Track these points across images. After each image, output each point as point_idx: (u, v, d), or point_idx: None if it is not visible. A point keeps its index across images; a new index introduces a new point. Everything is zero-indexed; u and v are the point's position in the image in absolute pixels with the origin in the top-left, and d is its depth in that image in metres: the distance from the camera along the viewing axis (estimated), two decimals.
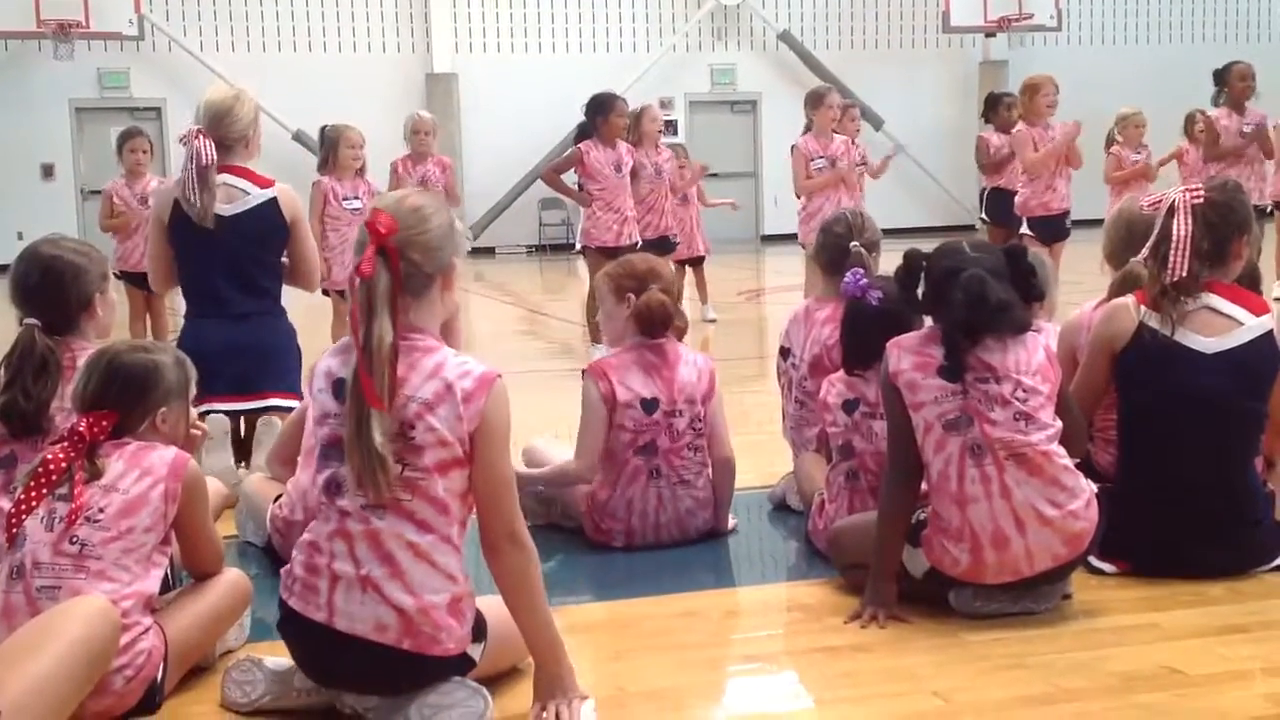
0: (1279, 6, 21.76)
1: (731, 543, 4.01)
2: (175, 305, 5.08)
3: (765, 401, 5.65)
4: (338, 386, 2.56)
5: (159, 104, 18.19)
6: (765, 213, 19.97)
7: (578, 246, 8.80)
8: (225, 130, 4.53)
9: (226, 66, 16.85)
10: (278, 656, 2.73)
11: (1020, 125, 8.76)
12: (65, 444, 2.77)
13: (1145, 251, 3.43)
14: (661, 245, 9.05)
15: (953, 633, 3.05)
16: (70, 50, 16.99)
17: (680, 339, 4.03)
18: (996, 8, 19.40)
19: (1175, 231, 3.35)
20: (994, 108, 10.79)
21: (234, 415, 4.57)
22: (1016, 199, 8.97)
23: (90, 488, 2.73)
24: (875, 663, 2.90)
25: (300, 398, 4.31)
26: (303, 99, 17.63)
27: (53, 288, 3.45)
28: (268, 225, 4.55)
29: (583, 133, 8.57)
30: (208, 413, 4.21)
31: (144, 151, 8.11)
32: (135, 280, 8.10)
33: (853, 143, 9.02)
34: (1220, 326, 3.37)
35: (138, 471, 2.77)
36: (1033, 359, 3.13)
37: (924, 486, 3.20)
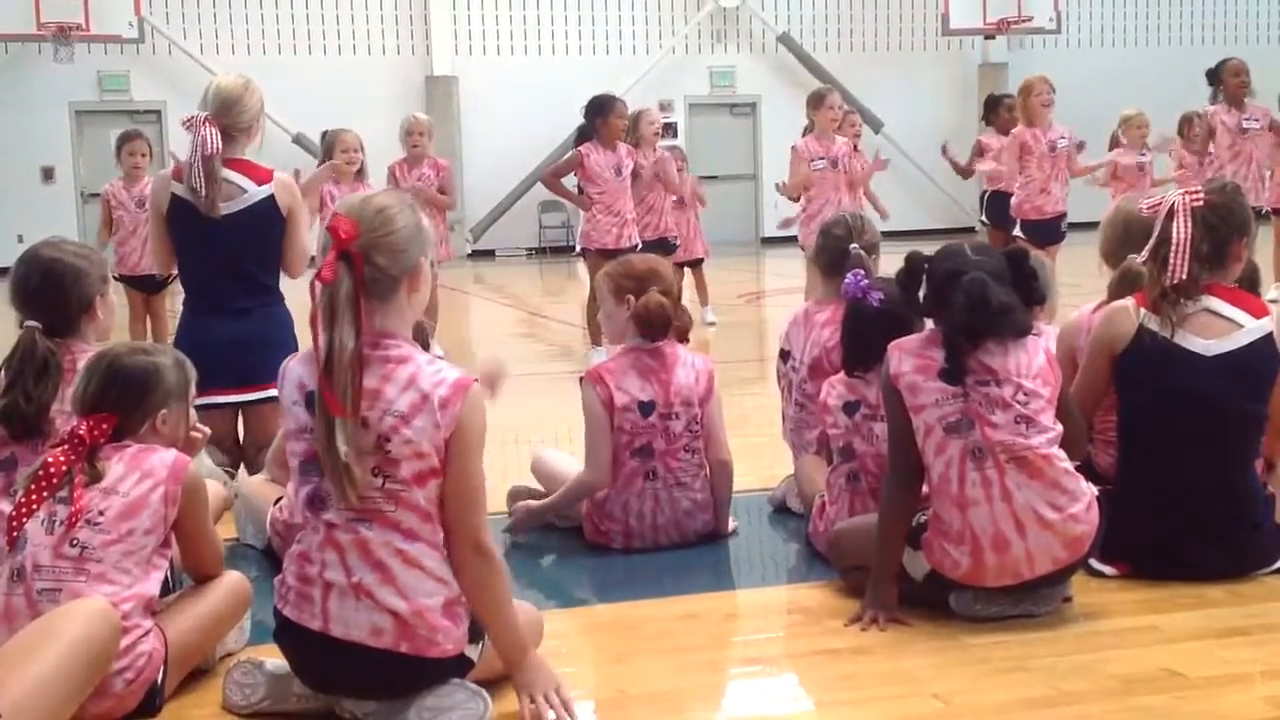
0: (1278, 8, 21.76)
1: (732, 545, 4.01)
2: (175, 308, 5.09)
3: (765, 404, 5.65)
4: (310, 399, 2.53)
5: (159, 107, 18.19)
6: (765, 215, 19.97)
7: (577, 249, 8.80)
8: (234, 119, 4.53)
9: (226, 69, 16.74)
10: (278, 659, 2.73)
11: (1018, 126, 8.78)
12: (65, 447, 2.77)
13: (1144, 254, 3.43)
14: (661, 247, 9.05)
15: (953, 635, 3.05)
16: (70, 53, 16.99)
17: (683, 339, 4.02)
18: (996, 10, 19.40)
19: (1175, 234, 3.35)
20: (994, 110, 10.80)
21: (233, 408, 4.57)
22: (1011, 201, 9.00)
23: (90, 491, 2.73)
24: (875, 665, 2.90)
25: None
26: (303, 102, 17.63)
27: (53, 290, 3.45)
28: (265, 221, 4.56)
29: (582, 135, 8.57)
30: (208, 406, 4.19)
31: (143, 154, 8.12)
32: (135, 283, 8.12)
33: (854, 148, 9.02)
34: (1220, 329, 3.37)
35: (138, 474, 2.77)
36: (1033, 362, 3.13)
37: (924, 489, 3.20)
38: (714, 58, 20.27)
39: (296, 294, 4.91)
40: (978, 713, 2.64)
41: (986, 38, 20.21)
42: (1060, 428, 3.14)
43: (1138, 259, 3.47)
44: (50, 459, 2.75)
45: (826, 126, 8.59)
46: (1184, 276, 3.34)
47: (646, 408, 3.88)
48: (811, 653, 3.04)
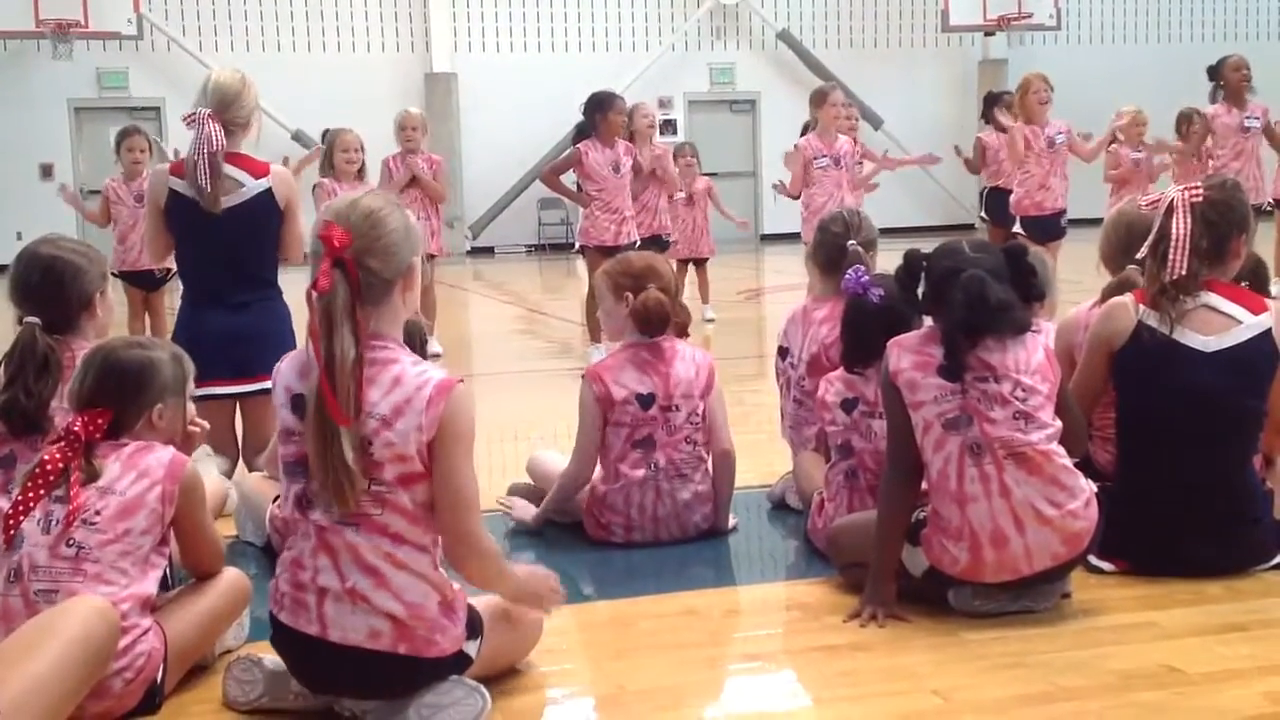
0: (1278, 4, 21.76)
1: (731, 541, 4.02)
2: (174, 305, 5.09)
3: (764, 401, 5.65)
4: (296, 402, 2.52)
5: (158, 103, 18.20)
6: (765, 212, 19.97)
7: (576, 246, 8.81)
8: (234, 114, 4.54)
9: (225, 66, 16.83)
10: (276, 656, 2.73)
11: (1017, 123, 8.78)
12: (61, 444, 2.76)
13: (1144, 250, 3.43)
14: (654, 244, 9.06)
15: (952, 631, 3.05)
16: (69, 50, 16.99)
17: (683, 335, 4.04)
18: (995, 7, 19.41)
19: (1174, 230, 3.35)
20: (993, 107, 10.79)
21: (231, 401, 4.58)
22: (1011, 198, 9.00)
23: (87, 490, 2.72)
24: (874, 661, 2.90)
25: None
26: (302, 99, 17.65)
27: (53, 287, 3.45)
28: (263, 215, 4.57)
29: (581, 133, 8.57)
30: (206, 397, 4.19)
31: (142, 150, 8.13)
32: (134, 280, 8.13)
33: (855, 142, 9.02)
34: (1219, 325, 3.37)
35: (134, 473, 2.76)
36: (1032, 359, 3.13)
37: (923, 486, 3.20)
38: (714, 54, 20.28)
39: (295, 289, 4.94)
40: (977, 709, 2.64)
41: (986, 34, 20.22)
42: (1059, 424, 3.14)
43: (1136, 271, 3.47)
44: (47, 457, 2.75)
45: (829, 124, 8.58)
46: (1183, 272, 3.34)
47: (646, 400, 3.90)
48: (810, 649, 3.04)
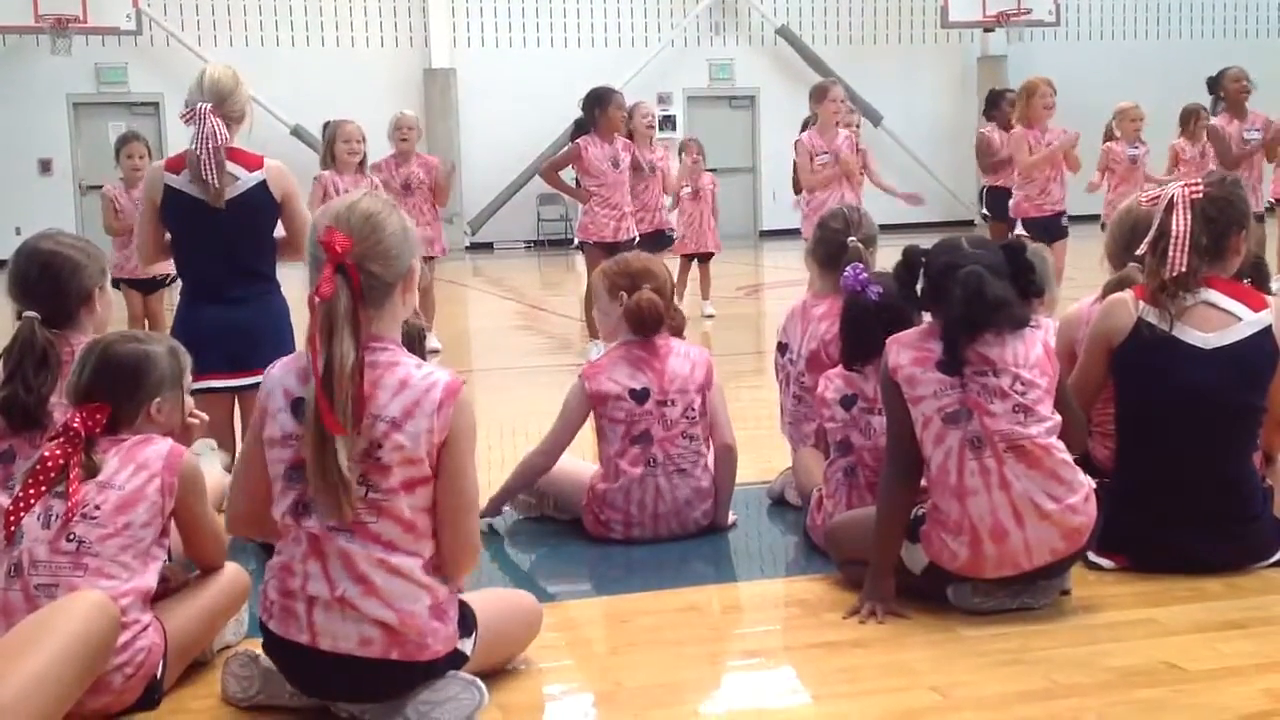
0: (1276, 1, 21.75)
1: (730, 538, 4.02)
2: (174, 304, 5.09)
3: (763, 397, 5.65)
4: (296, 406, 2.50)
5: (156, 99, 18.18)
6: (764, 208, 19.97)
7: (576, 241, 8.80)
8: (230, 108, 4.55)
9: (225, 61, 16.82)
10: None
11: (1017, 127, 8.76)
12: (61, 440, 2.76)
13: (1144, 247, 3.43)
14: (657, 240, 9.05)
15: (951, 628, 3.05)
16: (68, 45, 16.98)
17: (678, 336, 4.05)
18: (995, 3, 19.42)
19: (1174, 227, 3.35)
20: (996, 105, 10.78)
21: (229, 395, 4.58)
22: (1011, 201, 8.98)
23: (86, 485, 2.72)
24: (874, 658, 2.90)
25: None
26: (300, 94, 17.64)
27: (52, 282, 3.45)
28: (260, 207, 4.56)
29: (579, 128, 8.56)
30: (204, 390, 4.19)
31: (141, 157, 8.11)
32: (134, 285, 8.13)
33: (855, 139, 9.01)
34: (1219, 322, 3.37)
35: (133, 466, 2.76)
36: (1030, 353, 3.13)
37: (923, 483, 3.20)
38: (713, 50, 20.26)
39: (293, 284, 4.93)
40: (976, 705, 2.64)
41: (986, 30, 20.21)
42: (1058, 418, 3.14)
43: (1137, 268, 3.47)
44: (47, 453, 2.75)
45: (829, 120, 8.58)
46: (1183, 269, 3.34)
47: (640, 394, 3.90)
48: (810, 645, 3.04)
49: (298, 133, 17.31)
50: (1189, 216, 3.35)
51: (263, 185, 4.55)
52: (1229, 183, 3.51)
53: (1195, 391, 3.33)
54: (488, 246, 19.44)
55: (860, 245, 4.06)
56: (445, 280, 12.86)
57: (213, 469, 4.15)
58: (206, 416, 3.15)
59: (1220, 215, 3.39)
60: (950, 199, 20.04)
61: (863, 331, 3.66)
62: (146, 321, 8.25)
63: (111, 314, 3.66)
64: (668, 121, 18.91)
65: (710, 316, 10.03)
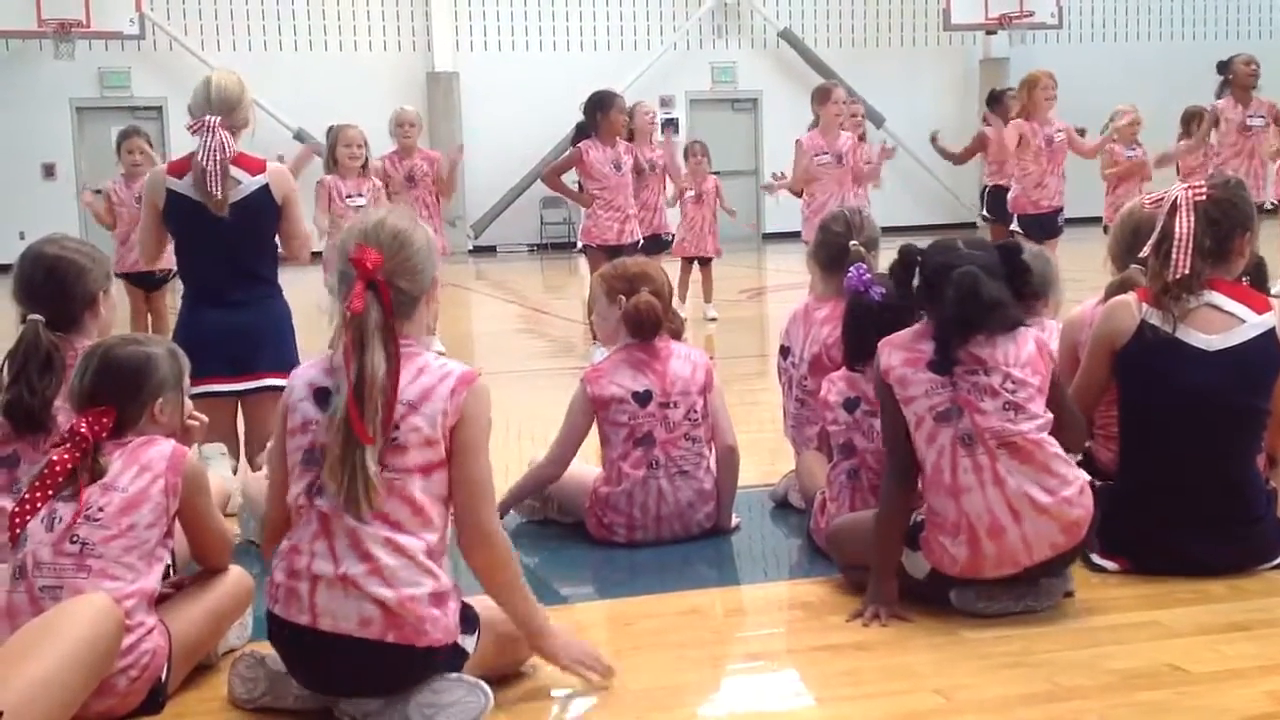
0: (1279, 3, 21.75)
1: (733, 540, 4.02)
2: (176, 305, 5.10)
3: (766, 400, 5.65)
4: (320, 395, 2.59)
5: (160, 103, 18.20)
6: (766, 211, 19.97)
7: (579, 245, 8.81)
8: (236, 117, 4.57)
9: (227, 66, 16.83)
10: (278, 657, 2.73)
11: (1017, 120, 8.77)
12: (68, 445, 2.77)
13: (1147, 249, 3.43)
14: (654, 243, 9.06)
15: (954, 631, 3.05)
16: (71, 49, 17.01)
17: (676, 339, 4.06)
18: (997, 5, 19.41)
19: (1177, 228, 3.35)
20: (998, 102, 10.78)
21: (232, 399, 4.59)
22: (1008, 195, 8.99)
23: (90, 487, 2.72)
24: (876, 661, 2.90)
25: None
26: (303, 98, 17.66)
27: (57, 286, 3.46)
28: (261, 211, 4.58)
29: (581, 132, 8.57)
30: (206, 394, 4.20)
31: (141, 152, 8.13)
32: (135, 280, 8.14)
33: (860, 140, 9.01)
34: (1222, 324, 3.37)
35: (136, 468, 2.77)
36: (1022, 352, 3.15)
37: (920, 486, 3.20)
38: (715, 53, 20.27)
39: (295, 287, 4.95)
40: (979, 708, 2.64)
41: (988, 33, 20.21)
42: (1050, 416, 3.15)
43: (1139, 270, 3.47)
44: (55, 458, 2.75)
45: (831, 121, 8.58)
46: (1186, 271, 3.34)
47: (643, 397, 3.91)
48: (813, 648, 3.04)
49: (300, 136, 17.32)
50: (1192, 218, 3.35)
51: (265, 189, 4.57)
52: (1232, 184, 3.50)
53: (1198, 394, 3.33)
54: (491, 250, 19.46)
55: (862, 248, 4.06)
56: (448, 283, 12.86)
57: (221, 473, 4.16)
58: (205, 418, 3.15)
59: (1224, 217, 3.39)
60: (952, 201, 20.03)
61: (865, 332, 3.65)
62: (150, 318, 8.26)
63: (115, 318, 3.67)
64: (670, 124, 18.93)
65: (713, 319, 10.03)
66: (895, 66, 20.53)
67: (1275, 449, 3.59)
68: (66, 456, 2.75)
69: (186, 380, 3.05)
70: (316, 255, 5.85)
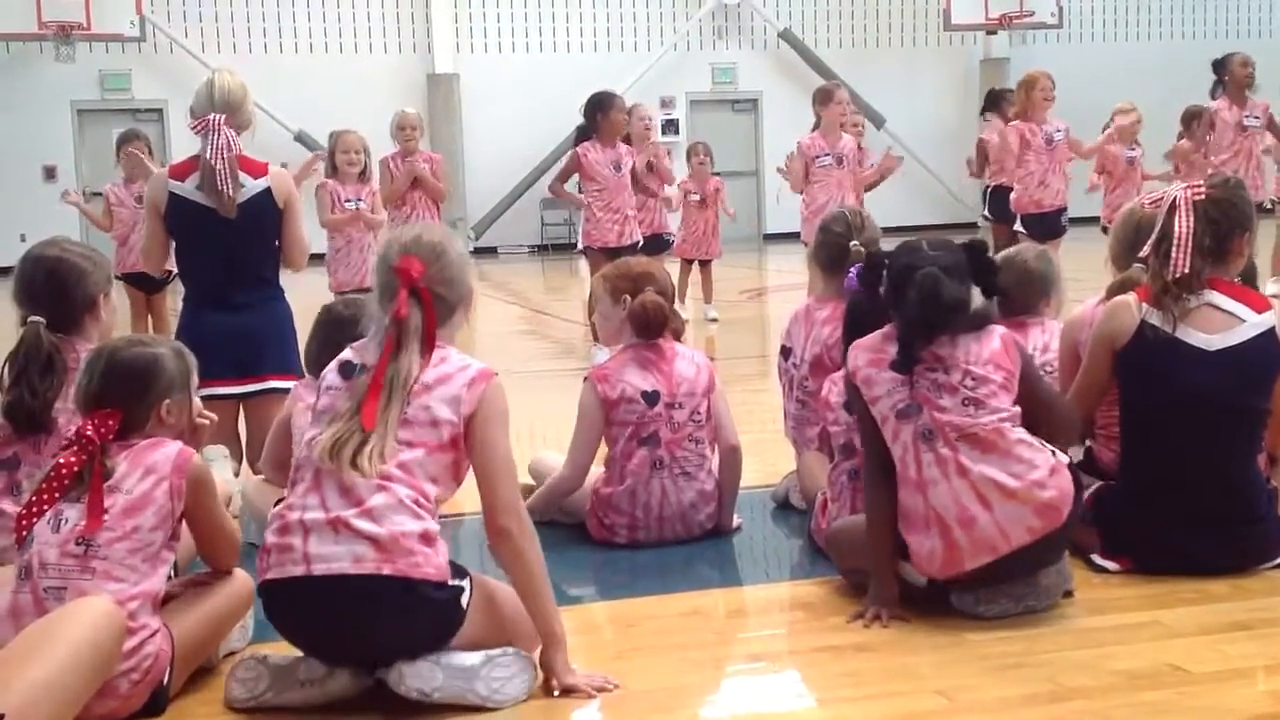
0: (1279, 2, 21.74)
1: (735, 542, 4.02)
2: (177, 306, 5.10)
3: (767, 401, 5.65)
4: (345, 367, 2.79)
5: (161, 105, 18.20)
6: (767, 211, 19.97)
7: (579, 247, 8.80)
8: (239, 117, 4.58)
9: (228, 68, 16.83)
10: (281, 653, 2.74)
11: (1015, 121, 8.77)
12: (75, 449, 2.77)
13: (1147, 249, 3.43)
14: (656, 243, 9.05)
15: (955, 632, 3.05)
16: (72, 52, 17.00)
17: (677, 340, 4.07)
18: (997, 5, 19.40)
19: (1177, 228, 3.36)
20: (996, 103, 10.79)
21: (234, 401, 4.59)
22: (1011, 196, 8.99)
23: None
24: (878, 662, 2.91)
25: (297, 378, 4.33)
26: (304, 100, 17.66)
27: (58, 289, 3.46)
28: (264, 213, 4.58)
29: (582, 134, 8.56)
30: (209, 397, 4.21)
31: (141, 154, 8.14)
32: (135, 281, 8.15)
33: (859, 146, 9.01)
34: (1222, 323, 3.37)
35: (141, 470, 2.77)
36: (985, 350, 3.17)
37: None
38: (715, 54, 20.26)
39: (295, 290, 4.95)
40: (980, 709, 2.64)
41: (988, 33, 20.20)
42: (1015, 410, 3.16)
43: (1140, 270, 3.47)
44: (62, 461, 2.75)
45: (833, 123, 8.57)
46: (1186, 271, 3.34)
47: (651, 397, 3.92)
48: (814, 649, 3.04)
49: (301, 139, 17.33)
50: (1192, 218, 3.35)
51: (267, 192, 4.57)
52: (1232, 184, 3.50)
53: (1198, 393, 3.33)
54: (491, 251, 19.45)
55: (863, 249, 4.06)
56: None
57: (223, 475, 4.17)
58: (215, 417, 3.15)
59: (1223, 217, 3.39)
60: (953, 201, 20.03)
61: (866, 332, 3.65)
62: (150, 319, 8.26)
63: (115, 321, 3.67)
64: (670, 126, 18.93)
65: (714, 320, 10.03)
66: (895, 67, 20.52)
67: (1275, 448, 3.59)
68: (73, 459, 2.75)
69: (194, 380, 3.05)
70: (317, 258, 5.85)
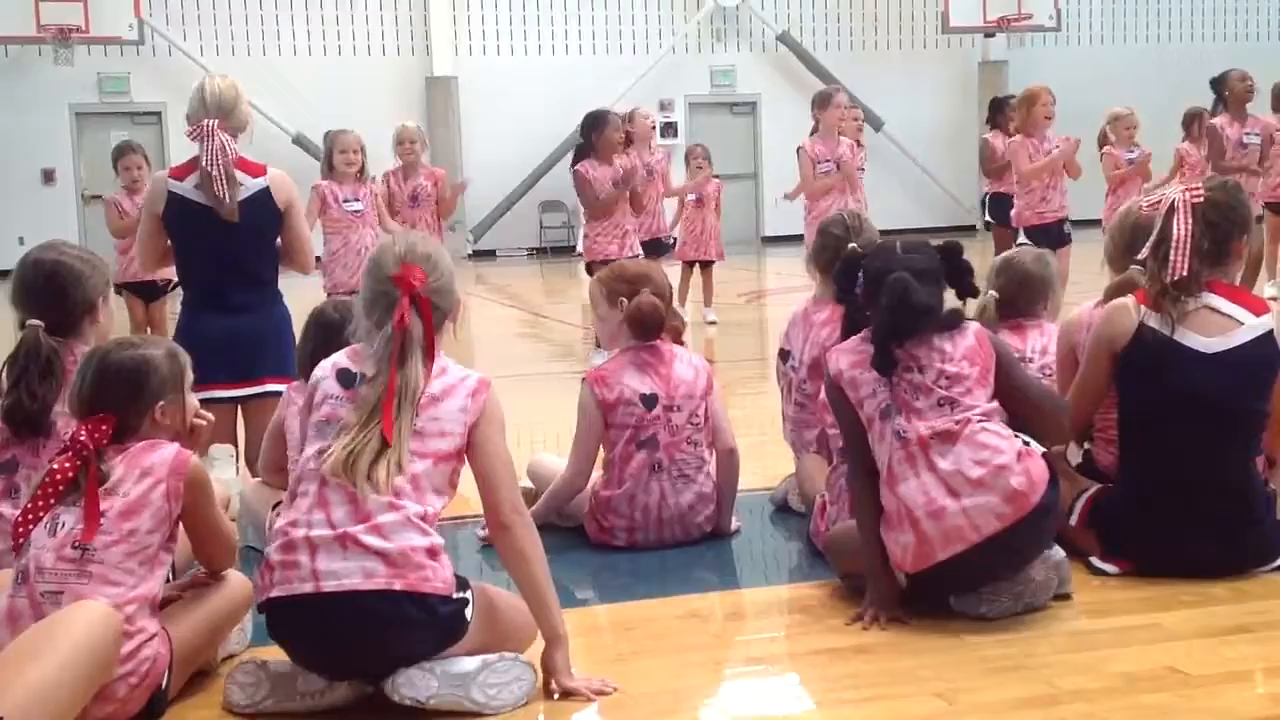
0: (1277, 4, 21.75)
1: (734, 544, 4.02)
2: (176, 314, 5.10)
3: (766, 404, 5.65)
4: (343, 375, 2.77)
5: (159, 108, 18.19)
6: (765, 214, 19.97)
7: (583, 259, 8.78)
8: (236, 121, 4.58)
9: (226, 70, 16.79)
10: (280, 658, 2.73)
11: (1017, 136, 8.75)
12: (69, 454, 2.76)
13: (1145, 251, 3.43)
14: (655, 247, 9.04)
15: (955, 634, 3.05)
16: (70, 55, 16.98)
17: (677, 340, 4.06)
18: (995, 8, 19.40)
19: (1175, 231, 3.36)
20: (1000, 111, 10.78)
21: (232, 404, 4.59)
22: (1013, 210, 8.98)
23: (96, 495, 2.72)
24: (877, 664, 2.91)
25: (294, 380, 4.33)
26: (302, 103, 17.65)
27: (57, 291, 3.46)
28: (263, 214, 4.58)
29: (579, 153, 8.53)
30: (207, 400, 4.21)
31: (139, 167, 8.13)
32: (136, 290, 8.13)
33: (857, 144, 9.01)
34: (1220, 326, 3.37)
35: (138, 473, 2.76)
36: (959, 347, 3.19)
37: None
38: (714, 57, 20.26)
39: (294, 292, 4.94)
40: (979, 711, 2.64)
41: (986, 36, 20.20)
42: (992, 405, 3.17)
43: (1139, 272, 3.48)
44: (57, 466, 2.75)
45: (832, 126, 8.57)
46: (1185, 273, 3.34)
47: (650, 400, 3.92)
48: (813, 652, 3.04)
49: (300, 141, 17.33)
50: (1190, 220, 3.35)
51: (266, 192, 4.57)
52: (1230, 187, 3.51)
53: (1197, 396, 3.33)
54: (490, 254, 19.45)
55: (859, 251, 4.06)
56: None
57: (224, 476, 4.17)
58: (211, 417, 3.14)
59: (1222, 219, 3.39)
60: (952, 204, 20.03)
61: None
62: (149, 329, 8.25)
63: (113, 325, 3.67)
64: (670, 128, 18.93)
65: (713, 323, 10.03)
66: (894, 69, 20.52)
67: (1274, 450, 3.59)
68: (68, 465, 2.74)
69: (189, 380, 3.04)
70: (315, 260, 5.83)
